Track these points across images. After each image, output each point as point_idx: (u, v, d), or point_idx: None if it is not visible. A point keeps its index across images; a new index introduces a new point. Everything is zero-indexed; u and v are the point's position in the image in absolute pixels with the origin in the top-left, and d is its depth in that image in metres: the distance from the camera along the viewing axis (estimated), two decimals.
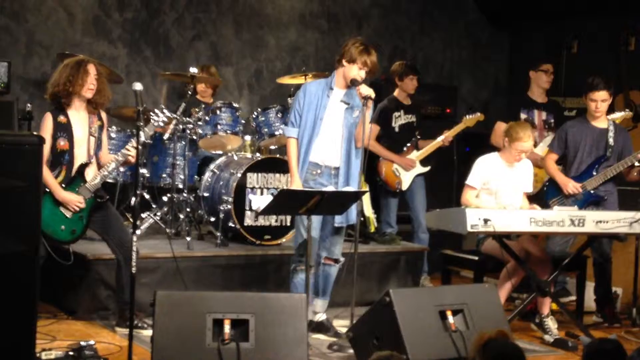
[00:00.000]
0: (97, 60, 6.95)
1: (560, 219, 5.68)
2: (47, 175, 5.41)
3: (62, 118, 5.53)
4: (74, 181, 5.55)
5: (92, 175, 5.58)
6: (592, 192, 6.47)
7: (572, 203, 6.40)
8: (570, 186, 6.48)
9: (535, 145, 7.08)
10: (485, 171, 6.12)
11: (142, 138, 5.41)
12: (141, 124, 4.87)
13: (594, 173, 6.49)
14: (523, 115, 7.20)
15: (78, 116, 5.58)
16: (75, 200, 5.51)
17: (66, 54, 7.21)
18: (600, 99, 6.44)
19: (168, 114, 5.64)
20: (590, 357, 3.76)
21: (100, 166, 5.64)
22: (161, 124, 5.72)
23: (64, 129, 5.52)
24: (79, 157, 5.56)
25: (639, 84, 8.25)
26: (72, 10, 8.10)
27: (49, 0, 7.98)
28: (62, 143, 5.52)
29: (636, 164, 6.36)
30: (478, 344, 3.74)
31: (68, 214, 5.54)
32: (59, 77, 5.51)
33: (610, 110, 6.77)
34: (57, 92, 5.51)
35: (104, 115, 5.75)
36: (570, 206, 6.26)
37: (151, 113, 5.66)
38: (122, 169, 6.83)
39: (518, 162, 6.11)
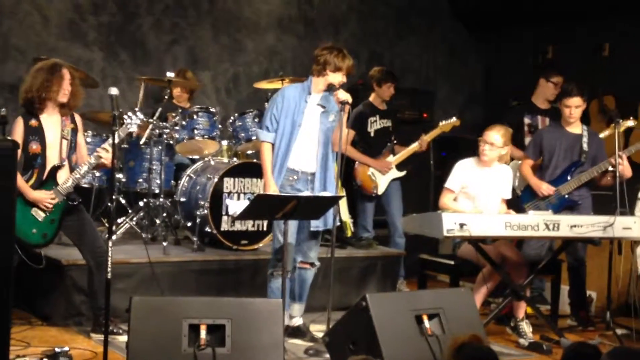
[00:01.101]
0: (71, 64, 6.94)
1: (536, 223, 5.72)
2: (17, 177, 5.38)
3: (33, 122, 5.48)
4: (45, 184, 5.49)
5: (64, 178, 5.53)
6: (566, 196, 6.52)
7: (547, 207, 6.45)
8: (544, 188, 6.53)
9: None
10: (464, 174, 6.15)
11: (116, 140, 5.39)
12: (117, 128, 4.85)
13: (569, 178, 6.54)
14: (527, 120, 7.26)
15: (50, 119, 5.53)
16: (45, 197, 5.45)
17: (42, 58, 7.16)
18: (574, 105, 6.50)
19: (141, 116, 5.58)
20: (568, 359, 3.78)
21: (73, 169, 5.60)
22: (134, 127, 5.66)
23: (35, 133, 5.47)
24: (51, 160, 5.51)
25: (613, 89, 8.32)
26: (47, 13, 8.05)
27: (23, 4, 7.94)
28: (34, 147, 5.48)
29: (610, 168, 6.41)
30: (452, 349, 3.76)
31: (40, 218, 5.49)
32: (33, 83, 5.46)
33: (585, 115, 6.82)
34: (31, 97, 5.46)
35: (77, 118, 5.71)
36: (544, 210, 6.31)
37: (124, 116, 5.61)
38: (97, 174, 6.82)
39: (488, 160, 6.11)
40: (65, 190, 5.52)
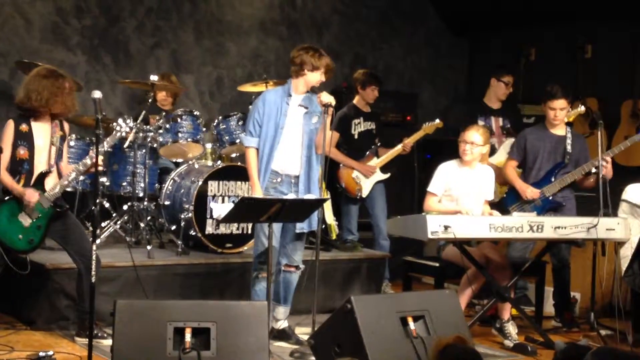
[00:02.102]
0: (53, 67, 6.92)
1: (520, 224, 5.74)
2: (4, 176, 5.37)
3: (24, 127, 5.46)
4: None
5: (51, 185, 5.51)
6: (550, 198, 6.55)
7: (531, 209, 6.48)
8: (529, 192, 6.56)
9: (494, 151, 7.16)
10: (447, 177, 6.17)
11: (105, 147, 5.37)
12: (100, 132, 4.83)
13: (553, 179, 6.57)
14: (481, 122, 7.26)
15: (40, 125, 5.52)
16: (31, 190, 5.39)
17: (24, 62, 7.14)
18: (559, 107, 6.53)
19: (131, 123, 5.57)
20: None
21: (60, 176, 5.58)
22: (124, 134, 5.66)
23: (24, 138, 5.46)
24: (39, 166, 5.50)
25: (595, 91, 8.37)
26: (29, 17, 8.01)
27: (5, 7, 7.89)
28: (22, 152, 5.45)
29: (593, 170, 6.44)
30: (436, 350, 3.78)
31: (26, 224, 5.47)
32: (39, 93, 5.39)
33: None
34: (32, 105, 5.41)
35: (66, 125, 5.70)
36: (529, 212, 6.34)
37: (114, 123, 5.59)
38: (81, 177, 6.78)
39: (467, 157, 6.12)
40: (53, 196, 5.49)
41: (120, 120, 5.59)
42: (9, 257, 5.44)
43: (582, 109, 6.89)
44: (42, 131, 5.52)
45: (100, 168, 5.31)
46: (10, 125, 5.47)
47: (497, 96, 7.37)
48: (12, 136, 5.43)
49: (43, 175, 5.50)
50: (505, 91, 7.34)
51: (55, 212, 5.53)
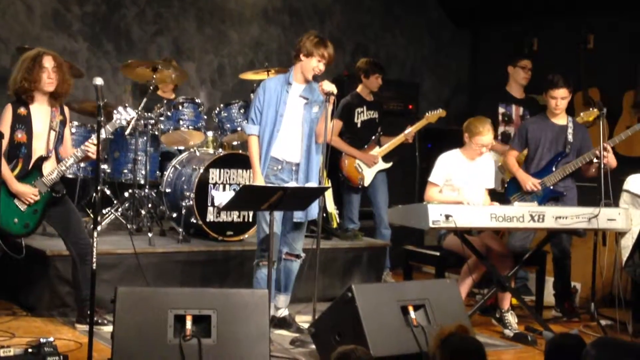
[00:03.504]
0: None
1: (521, 214, 5.73)
2: (3, 166, 5.33)
3: (22, 110, 5.44)
4: (30, 174, 5.45)
5: (49, 170, 5.49)
6: (551, 188, 6.55)
7: (532, 199, 6.47)
8: (530, 183, 6.55)
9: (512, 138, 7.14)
10: (448, 168, 6.16)
11: (103, 135, 5.36)
12: (102, 119, 4.82)
13: (554, 169, 6.57)
14: (501, 110, 7.27)
15: (39, 109, 5.49)
16: (29, 192, 5.41)
17: (25, 48, 7.11)
18: (560, 96, 6.52)
19: (132, 112, 5.55)
20: (552, 351, 3.81)
21: (59, 161, 5.57)
22: (124, 122, 5.65)
23: (22, 121, 5.43)
24: (37, 151, 5.47)
25: (598, 81, 8.35)
26: (31, 3, 8.00)
27: None
28: (20, 135, 5.43)
29: (594, 160, 6.44)
30: (438, 339, 3.78)
31: (22, 207, 5.43)
32: (17, 74, 5.42)
33: (570, 107, 6.85)
34: (17, 89, 5.42)
35: (67, 110, 5.67)
36: (530, 202, 6.33)
37: (115, 111, 5.57)
38: (82, 164, 6.78)
39: (479, 156, 6.16)
40: (50, 181, 5.47)
41: (120, 108, 5.58)
42: (5, 242, 5.42)
43: (596, 111, 6.85)
44: (41, 115, 5.49)
45: (93, 155, 5.30)
46: (8, 109, 5.45)
47: (519, 82, 7.31)
48: (10, 120, 5.40)
49: (41, 160, 5.47)
50: (524, 75, 7.29)
51: (52, 197, 5.51)
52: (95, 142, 5.27)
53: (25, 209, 5.45)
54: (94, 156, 5.33)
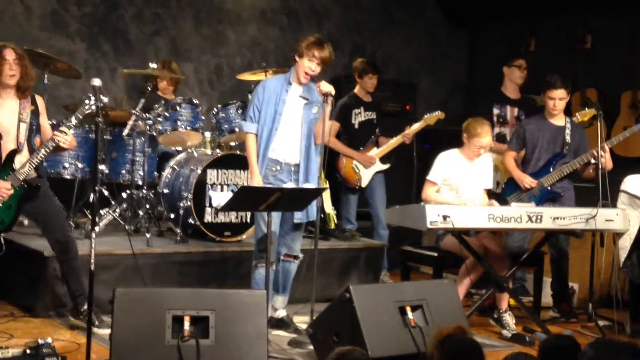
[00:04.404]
0: (53, 54, 6.90)
1: (518, 215, 5.74)
2: None
3: None
4: (2, 170, 5.31)
5: (21, 163, 5.34)
6: (548, 188, 6.56)
7: (529, 199, 6.48)
8: (527, 181, 6.56)
9: (506, 140, 7.14)
10: (446, 167, 6.17)
11: (73, 122, 5.25)
12: (100, 119, 4.79)
13: (551, 170, 6.57)
14: (496, 111, 7.28)
15: (4, 104, 5.35)
16: (1, 187, 5.27)
17: (24, 49, 7.11)
18: (558, 97, 6.53)
19: (105, 99, 5.35)
20: (546, 352, 3.81)
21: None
22: (92, 108, 5.47)
23: None
24: (7, 146, 5.32)
25: (595, 82, 8.36)
26: (30, 4, 8.00)
27: None
28: None
29: (592, 161, 6.44)
30: (436, 340, 3.78)
31: None
32: None
33: (568, 107, 6.85)
34: None
35: (39, 100, 5.51)
36: (527, 202, 6.34)
37: (85, 98, 5.40)
38: (80, 165, 6.77)
39: (478, 157, 6.17)
40: (23, 174, 5.31)
41: (90, 95, 5.41)
42: None
43: (593, 110, 6.86)
44: (7, 110, 5.35)
45: (65, 145, 5.22)
46: None
47: (514, 81, 7.32)
48: None
49: (13, 154, 5.32)
50: (520, 74, 7.31)
51: (27, 191, 5.35)
52: (65, 130, 5.19)
53: None
54: (66, 145, 5.25)
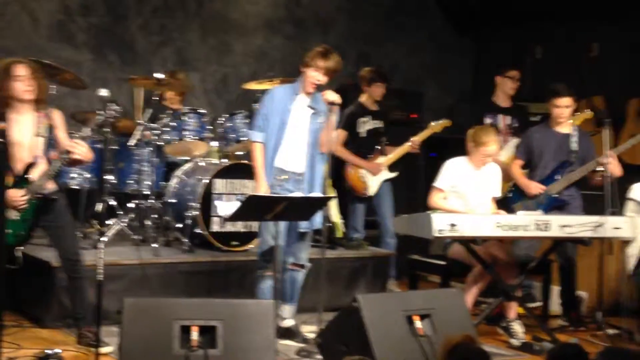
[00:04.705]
0: (60, 65, 6.91)
1: (526, 223, 5.73)
2: None
3: (1, 124, 5.29)
4: (18, 183, 5.30)
5: (36, 176, 5.34)
6: (555, 196, 6.54)
7: (536, 207, 6.47)
8: (533, 187, 6.56)
9: (500, 149, 7.14)
10: (453, 174, 6.17)
11: (87, 133, 5.24)
12: (108, 130, 4.80)
13: (558, 178, 6.56)
14: (487, 120, 7.27)
15: (21, 118, 5.35)
16: (14, 195, 5.23)
17: (30, 60, 7.13)
18: (564, 105, 6.52)
19: (117, 107, 5.35)
20: None
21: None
22: (108, 119, 5.45)
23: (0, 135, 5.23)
24: (23, 159, 5.32)
25: (601, 89, 8.35)
26: (36, 15, 8.03)
27: (12, 5, 7.91)
28: None
29: (599, 168, 6.43)
30: (445, 349, 3.77)
31: (12, 216, 5.27)
32: None
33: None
34: None
35: (56, 114, 5.49)
36: (533, 210, 6.33)
37: (97, 109, 5.40)
38: (87, 175, 6.78)
39: (485, 165, 6.17)
40: (37, 188, 5.32)
41: (108, 106, 5.35)
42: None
43: (588, 112, 6.87)
44: (22, 124, 5.35)
45: (79, 157, 5.20)
46: None
47: (506, 92, 7.36)
48: None
49: (29, 167, 5.32)
50: (512, 85, 7.34)
51: (42, 204, 5.35)
52: (78, 142, 5.20)
53: (15, 218, 5.30)
54: (81, 157, 5.23)
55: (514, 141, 7.20)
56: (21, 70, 5.32)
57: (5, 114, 5.33)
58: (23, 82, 5.31)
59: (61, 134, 5.49)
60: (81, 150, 5.22)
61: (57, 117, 5.50)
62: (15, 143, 5.32)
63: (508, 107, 7.40)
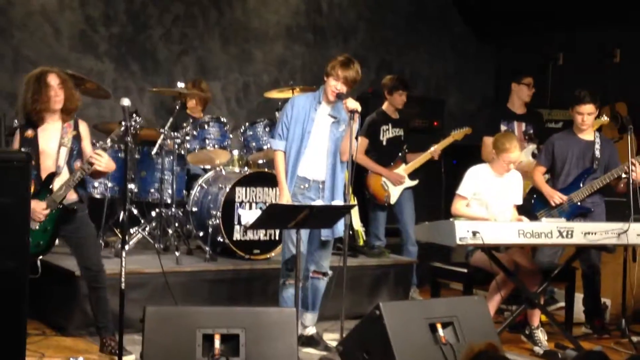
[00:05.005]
0: (82, 74, 6.96)
1: (549, 230, 5.69)
2: None
3: (29, 132, 5.36)
4: (40, 193, 5.34)
5: (58, 186, 5.37)
6: (578, 204, 6.50)
7: (559, 215, 6.43)
8: (556, 197, 6.52)
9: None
10: (476, 181, 6.14)
11: (109, 143, 5.28)
12: (129, 139, 4.83)
13: (581, 185, 6.52)
14: (503, 127, 7.25)
15: (49, 128, 5.39)
16: (36, 208, 5.27)
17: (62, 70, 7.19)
18: (587, 112, 6.48)
19: (139, 119, 5.39)
20: None
21: None
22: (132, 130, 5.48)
23: (29, 144, 5.34)
24: (46, 169, 5.36)
25: (624, 96, 8.30)
26: (59, 25, 8.10)
27: (35, 16, 7.98)
28: None
29: (623, 175, 6.39)
30: (467, 357, 3.75)
31: (34, 226, 5.28)
32: (25, 98, 5.33)
33: None
34: (27, 112, 5.34)
35: (83, 125, 5.53)
36: (556, 218, 6.29)
37: (120, 120, 5.42)
38: (109, 184, 6.81)
39: (507, 172, 6.14)
40: (59, 197, 5.33)
41: (132, 116, 5.38)
42: None
43: (605, 119, 6.84)
44: (50, 134, 5.39)
45: (100, 168, 5.21)
46: (16, 134, 5.41)
47: (522, 99, 7.34)
48: (18, 145, 5.34)
49: (51, 177, 5.36)
50: (528, 92, 7.33)
51: (63, 214, 5.38)
52: (100, 153, 5.20)
53: (36, 228, 5.32)
54: (102, 168, 5.24)
55: (530, 147, 7.17)
56: (51, 79, 5.35)
57: (37, 122, 5.38)
58: (54, 91, 5.34)
59: (87, 145, 5.52)
60: (102, 161, 5.23)
61: (83, 128, 5.54)
62: (41, 152, 5.37)
63: (523, 113, 7.37)
